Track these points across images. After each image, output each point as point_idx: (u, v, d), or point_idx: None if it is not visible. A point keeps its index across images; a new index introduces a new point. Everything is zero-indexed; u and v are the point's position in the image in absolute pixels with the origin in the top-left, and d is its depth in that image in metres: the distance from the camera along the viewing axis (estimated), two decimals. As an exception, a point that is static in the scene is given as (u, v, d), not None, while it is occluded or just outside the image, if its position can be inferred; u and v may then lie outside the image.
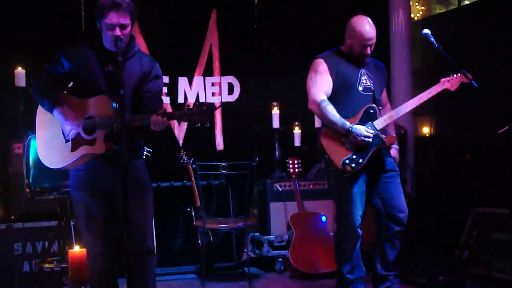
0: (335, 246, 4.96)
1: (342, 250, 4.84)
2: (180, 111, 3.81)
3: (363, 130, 4.58)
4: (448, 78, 4.75)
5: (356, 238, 4.76)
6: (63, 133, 4.07)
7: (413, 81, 6.90)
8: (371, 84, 4.79)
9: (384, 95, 4.99)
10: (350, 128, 4.57)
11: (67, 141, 4.07)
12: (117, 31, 3.97)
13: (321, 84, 4.70)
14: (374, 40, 4.71)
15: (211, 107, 3.75)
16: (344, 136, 4.62)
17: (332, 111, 4.62)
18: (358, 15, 4.75)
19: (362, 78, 4.78)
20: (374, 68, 4.87)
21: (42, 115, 4.21)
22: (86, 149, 4.03)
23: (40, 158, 4.24)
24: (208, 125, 3.77)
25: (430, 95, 4.73)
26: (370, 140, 4.60)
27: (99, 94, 4.03)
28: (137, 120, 3.95)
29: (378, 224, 4.87)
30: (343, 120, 4.60)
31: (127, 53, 4.11)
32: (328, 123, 4.67)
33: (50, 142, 4.18)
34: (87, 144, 4.03)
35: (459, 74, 4.72)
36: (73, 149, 4.06)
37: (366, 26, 4.66)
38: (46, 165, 4.22)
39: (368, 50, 4.72)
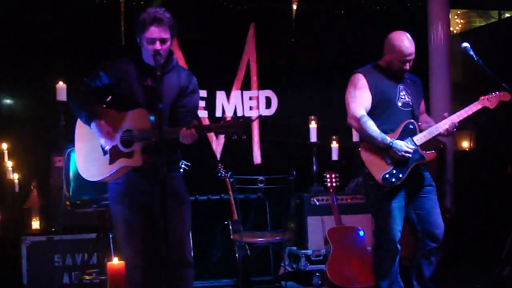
0: (373, 261, 4.93)
1: (380, 265, 4.81)
2: (216, 123, 3.85)
3: (403, 145, 4.56)
4: (487, 96, 4.69)
5: (395, 253, 4.72)
6: (101, 146, 4.14)
7: (452, 95, 6.83)
8: (410, 100, 4.77)
9: (422, 106, 4.96)
10: (391, 144, 4.55)
11: (105, 153, 4.11)
12: (157, 45, 4.02)
13: (360, 99, 4.68)
14: (413, 56, 4.68)
15: (247, 120, 3.79)
16: (384, 151, 4.60)
17: (372, 126, 4.60)
18: (398, 31, 4.74)
19: (401, 93, 4.76)
20: (411, 83, 4.85)
21: (81, 129, 4.26)
22: (124, 161, 4.06)
23: (79, 171, 4.28)
24: (245, 137, 3.78)
25: (470, 113, 4.69)
26: (410, 155, 4.58)
27: (137, 107, 4.08)
28: (169, 133, 3.97)
29: (414, 240, 4.83)
30: (383, 135, 4.58)
31: (165, 67, 4.15)
32: (368, 138, 4.64)
33: (88, 155, 4.23)
34: (125, 157, 4.06)
35: (497, 92, 4.66)
36: (111, 161, 4.11)
37: (405, 41, 4.65)
38: (85, 177, 4.27)
39: (407, 66, 4.70)
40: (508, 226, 5.95)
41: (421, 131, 4.71)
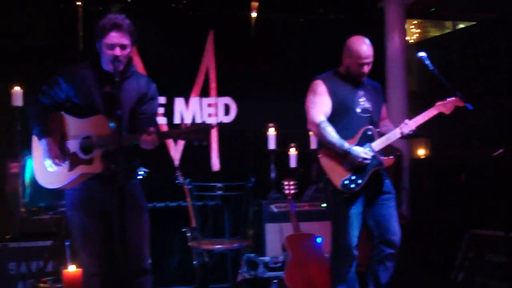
0: (330, 266, 4.96)
1: (337, 271, 4.84)
2: (177, 129, 3.86)
3: (361, 152, 4.59)
4: (443, 102, 4.74)
5: (352, 259, 4.75)
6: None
7: (409, 103, 6.93)
8: (369, 106, 4.80)
9: (383, 112, 4.99)
10: (349, 149, 4.58)
11: (64, 161, 4.09)
12: (117, 51, 4.01)
13: (320, 105, 4.70)
14: (371, 59, 4.72)
15: (208, 126, 3.80)
16: (343, 157, 4.63)
17: (331, 132, 4.63)
18: (356, 35, 4.78)
19: (360, 100, 4.78)
20: (372, 89, 4.88)
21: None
22: (84, 168, 4.05)
23: (37, 178, 4.25)
24: (205, 143, 3.81)
25: (426, 118, 4.74)
26: (369, 161, 4.61)
27: (96, 114, 4.06)
28: (129, 139, 3.98)
29: (371, 246, 4.88)
30: (341, 141, 4.61)
31: (124, 74, 4.14)
32: (327, 143, 4.67)
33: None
34: (85, 164, 4.05)
35: (453, 98, 4.72)
36: (71, 168, 4.08)
37: (362, 45, 4.69)
38: (43, 185, 4.23)
39: (365, 69, 4.72)
40: (462, 233, 6.05)
41: (381, 136, 4.74)
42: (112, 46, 4.02)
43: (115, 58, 4.00)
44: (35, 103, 4.19)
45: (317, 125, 4.66)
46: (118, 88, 3.91)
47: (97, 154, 4.01)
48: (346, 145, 4.60)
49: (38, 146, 4.25)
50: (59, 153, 4.08)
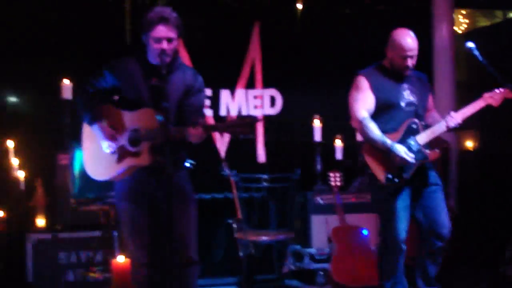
0: (377, 260, 4.94)
1: (384, 264, 4.82)
2: (223, 123, 3.88)
3: (403, 151, 4.54)
4: (491, 94, 4.67)
5: (400, 253, 4.72)
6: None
7: (457, 95, 6.83)
8: (414, 99, 4.75)
9: (430, 103, 4.93)
10: (391, 147, 4.55)
11: (113, 152, 4.14)
12: (164, 45, 4.04)
13: (362, 101, 4.68)
14: (415, 52, 4.66)
15: (253, 119, 3.81)
16: (387, 152, 4.59)
17: (373, 129, 4.61)
18: (400, 28, 4.73)
19: (404, 93, 4.73)
20: (417, 81, 4.82)
21: (88, 128, 4.28)
22: (132, 161, 4.09)
23: (86, 170, 4.30)
24: (251, 137, 3.82)
25: (473, 111, 4.67)
26: (411, 160, 4.55)
27: (144, 107, 4.10)
28: (176, 132, 3.99)
29: (420, 239, 4.84)
30: (384, 138, 4.57)
31: (171, 67, 4.17)
32: (369, 140, 4.65)
33: (96, 154, 4.24)
34: (133, 156, 4.09)
35: (502, 89, 4.66)
36: (119, 161, 4.13)
37: (406, 37, 4.64)
38: (92, 177, 4.29)
39: (409, 62, 4.66)
40: (511, 227, 5.96)
41: (427, 127, 4.69)
42: (159, 40, 4.05)
43: (163, 52, 4.03)
44: (83, 94, 4.25)
45: (360, 122, 4.65)
46: (165, 81, 3.95)
47: (144, 147, 4.05)
48: (388, 142, 4.56)
49: (88, 138, 4.31)
50: (115, 133, 4.11)
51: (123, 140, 4.12)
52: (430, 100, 4.95)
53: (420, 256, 4.82)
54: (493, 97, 4.67)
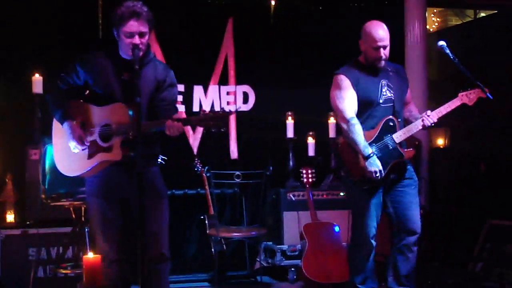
0: (348, 256, 4.96)
1: (355, 260, 4.85)
2: (196, 116, 3.87)
3: (375, 167, 4.54)
4: (465, 93, 4.69)
5: (370, 249, 4.74)
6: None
7: (428, 93, 6.89)
8: (392, 95, 4.73)
9: (408, 96, 4.91)
10: (368, 157, 4.54)
11: (84, 148, 4.12)
12: (136, 39, 4.02)
13: (348, 100, 4.65)
14: (387, 42, 4.65)
15: (226, 112, 3.80)
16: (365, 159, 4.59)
17: (358, 132, 4.58)
18: (371, 20, 4.74)
19: (383, 90, 4.72)
20: (395, 75, 4.79)
21: (57, 125, 4.26)
22: (103, 156, 4.07)
23: (57, 167, 4.29)
24: (223, 130, 3.82)
25: (449, 109, 4.69)
26: (378, 176, 4.55)
27: (115, 102, 4.08)
28: (153, 125, 4.00)
29: (391, 234, 4.86)
30: (366, 144, 4.56)
31: (143, 61, 4.15)
32: (351, 141, 4.61)
33: (66, 150, 4.21)
34: (104, 151, 4.07)
35: (476, 89, 4.68)
36: (90, 156, 4.11)
37: (377, 27, 4.65)
38: (64, 173, 4.26)
39: (381, 52, 4.63)
40: (480, 223, 6.02)
41: (405, 123, 4.72)
42: (131, 35, 4.02)
43: (135, 46, 4.01)
44: (54, 89, 4.23)
45: (347, 121, 4.61)
46: (137, 75, 3.90)
47: (116, 142, 4.03)
48: (368, 151, 4.55)
49: (59, 133, 4.28)
50: (83, 133, 4.10)
51: (94, 135, 4.10)
52: (408, 93, 4.93)
53: (392, 252, 4.84)
54: (468, 96, 4.69)
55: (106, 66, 4.18)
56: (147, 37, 4.11)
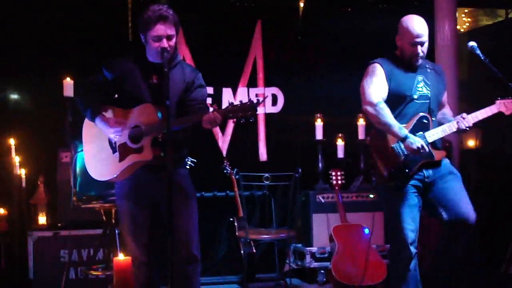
0: (390, 266, 4.81)
1: (396, 270, 4.64)
2: (224, 108, 3.92)
3: (419, 141, 4.36)
4: (504, 101, 4.56)
5: (409, 256, 4.51)
6: (110, 144, 4.17)
7: (459, 93, 6.82)
8: (428, 92, 4.59)
9: (444, 97, 4.79)
10: (406, 136, 4.37)
11: (114, 152, 4.15)
12: (164, 43, 4.05)
13: (377, 86, 4.51)
14: (425, 38, 4.52)
15: (254, 102, 3.83)
16: (396, 143, 4.45)
17: (389, 114, 4.42)
18: (409, 14, 4.63)
19: (418, 85, 4.57)
20: (432, 73, 4.66)
21: (88, 129, 4.31)
22: (134, 157, 4.09)
23: (90, 173, 4.30)
24: (252, 120, 3.84)
25: (485, 115, 4.57)
26: (426, 150, 4.38)
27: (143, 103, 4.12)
28: (188, 120, 4.04)
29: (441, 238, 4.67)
30: (400, 125, 4.41)
31: (171, 63, 4.17)
32: (383, 125, 4.44)
33: (97, 155, 4.25)
34: (135, 153, 4.09)
35: None
36: (121, 159, 4.13)
37: (415, 22, 4.52)
38: (96, 178, 4.28)
39: (419, 49, 4.50)
40: (512, 226, 5.97)
41: (436, 126, 4.55)
42: (159, 38, 4.05)
43: (164, 50, 4.03)
44: (82, 91, 4.30)
45: (374, 105, 4.44)
46: (167, 78, 3.91)
47: (146, 142, 4.05)
48: (404, 131, 4.38)
49: (89, 139, 4.32)
50: (118, 120, 4.12)
51: (124, 138, 4.13)
52: (445, 95, 4.81)
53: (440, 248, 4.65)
54: (506, 105, 4.56)
55: (133, 70, 4.22)
56: (174, 39, 4.13)
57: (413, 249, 4.51)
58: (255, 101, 3.89)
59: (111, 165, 4.18)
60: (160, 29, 4.05)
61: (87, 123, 4.31)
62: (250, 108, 3.84)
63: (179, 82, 4.25)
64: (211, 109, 4.01)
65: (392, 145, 4.47)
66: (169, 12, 4.09)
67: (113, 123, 4.11)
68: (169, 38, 4.08)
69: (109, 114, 4.20)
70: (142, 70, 4.20)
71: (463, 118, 4.53)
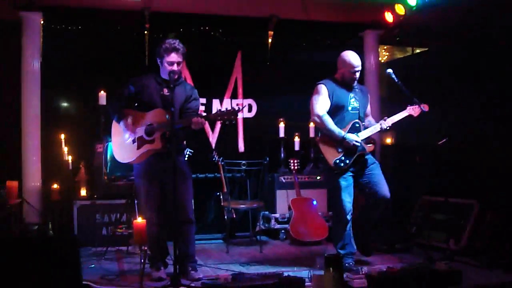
0: (332, 228, 4.85)
1: (336, 231, 4.73)
2: (214, 113, 4.09)
3: (354, 137, 4.54)
4: (412, 107, 4.71)
5: (346, 222, 4.60)
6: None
7: (380, 106, 6.89)
8: (357, 105, 4.71)
9: (368, 110, 4.90)
10: (345, 136, 4.53)
11: (133, 141, 4.21)
12: (175, 67, 4.18)
13: (322, 102, 4.61)
14: (360, 68, 4.65)
15: (235, 109, 4.02)
16: (337, 142, 4.56)
17: (331, 122, 4.56)
18: (347, 50, 4.72)
19: (351, 100, 4.70)
20: (359, 92, 4.78)
21: (115, 127, 4.39)
22: (148, 146, 4.18)
23: (115, 156, 4.37)
24: (234, 122, 4.05)
25: (400, 118, 4.71)
26: (359, 144, 4.54)
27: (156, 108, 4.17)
28: (182, 122, 4.13)
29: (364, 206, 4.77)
30: (339, 129, 4.55)
31: (177, 81, 4.24)
32: (327, 131, 4.57)
33: (121, 144, 4.30)
34: (149, 143, 4.19)
35: (419, 105, 4.68)
36: (138, 147, 4.23)
37: (354, 56, 4.65)
38: (119, 160, 4.35)
39: (356, 75, 4.65)
40: (415, 198, 6.04)
41: (365, 128, 4.68)
42: (171, 63, 4.18)
43: (173, 72, 4.15)
44: (114, 101, 4.38)
45: (320, 117, 4.57)
46: (172, 91, 4.09)
47: (157, 136, 4.13)
48: (343, 132, 4.53)
49: (116, 133, 4.36)
50: (134, 128, 4.21)
51: (141, 132, 4.19)
52: (369, 107, 4.92)
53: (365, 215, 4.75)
54: (414, 110, 4.71)
55: (150, 85, 4.30)
56: (181, 65, 4.25)
57: (349, 216, 4.60)
58: (236, 108, 3.99)
59: (131, 152, 4.24)
60: (174, 57, 4.18)
61: (114, 123, 4.35)
62: (232, 113, 3.99)
63: (181, 95, 4.32)
64: (204, 114, 4.12)
65: (335, 145, 4.56)
66: (181, 45, 4.22)
67: (129, 129, 4.21)
68: (178, 64, 4.20)
69: (130, 118, 4.23)
70: (156, 84, 4.26)
71: (384, 121, 4.67)
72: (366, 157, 4.71)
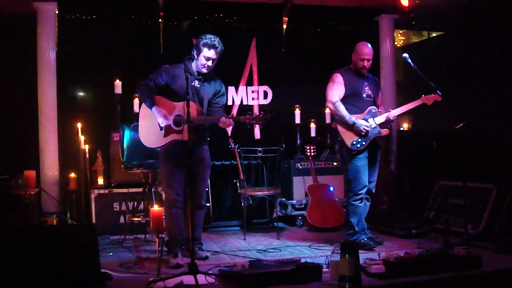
0: (346, 203, 4.98)
1: (353, 205, 4.87)
2: (245, 117, 4.22)
3: (363, 123, 4.74)
4: (426, 96, 4.82)
5: (360, 198, 4.83)
6: (158, 124, 4.35)
7: (396, 91, 6.84)
8: (371, 93, 4.91)
9: (379, 99, 5.05)
10: (354, 122, 4.73)
11: (161, 129, 4.37)
12: (210, 62, 4.33)
13: (336, 90, 4.84)
14: (370, 57, 4.83)
15: (265, 116, 4.18)
16: (349, 127, 4.76)
17: (343, 109, 4.77)
18: (362, 41, 4.91)
19: (365, 88, 4.91)
20: (372, 82, 4.99)
21: (144, 111, 4.46)
22: (175, 136, 4.33)
23: (141, 140, 4.48)
24: (261, 126, 4.15)
25: (413, 106, 4.84)
26: (368, 129, 4.73)
27: (185, 100, 4.21)
28: (211, 120, 4.30)
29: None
30: (350, 115, 4.75)
31: (208, 76, 4.43)
32: (339, 117, 4.80)
33: (149, 129, 4.45)
34: (175, 133, 4.33)
35: (433, 94, 4.78)
36: (165, 135, 4.37)
37: (364, 46, 4.85)
38: (145, 144, 4.47)
39: (365, 64, 4.83)
40: (433, 183, 6.01)
41: (380, 115, 4.86)
42: (208, 59, 4.33)
43: (205, 67, 4.33)
44: (144, 85, 4.40)
45: (333, 103, 4.81)
46: (202, 85, 4.31)
47: (185, 128, 4.22)
48: (353, 119, 4.74)
49: (144, 117, 4.47)
50: (167, 113, 4.31)
51: (170, 121, 4.34)
52: (380, 97, 5.08)
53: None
54: (427, 99, 4.82)
55: (181, 75, 4.39)
56: (215, 62, 4.38)
57: (364, 191, 4.81)
58: (267, 115, 4.24)
59: (157, 138, 4.38)
60: (211, 53, 4.32)
61: (144, 107, 4.44)
62: (261, 119, 4.18)
63: (211, 89, 4.50)
64: (234, 116, 4.28)
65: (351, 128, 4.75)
66: (220, 44, 4.35)
67: (162, 115, 4.30)
68: (213, 60, 4.35)
69: (159, 103, 4.35)
70: (187, 76, 4.27)
71: (389, 112, 4.85)
72: (377, 154, 4.94)
